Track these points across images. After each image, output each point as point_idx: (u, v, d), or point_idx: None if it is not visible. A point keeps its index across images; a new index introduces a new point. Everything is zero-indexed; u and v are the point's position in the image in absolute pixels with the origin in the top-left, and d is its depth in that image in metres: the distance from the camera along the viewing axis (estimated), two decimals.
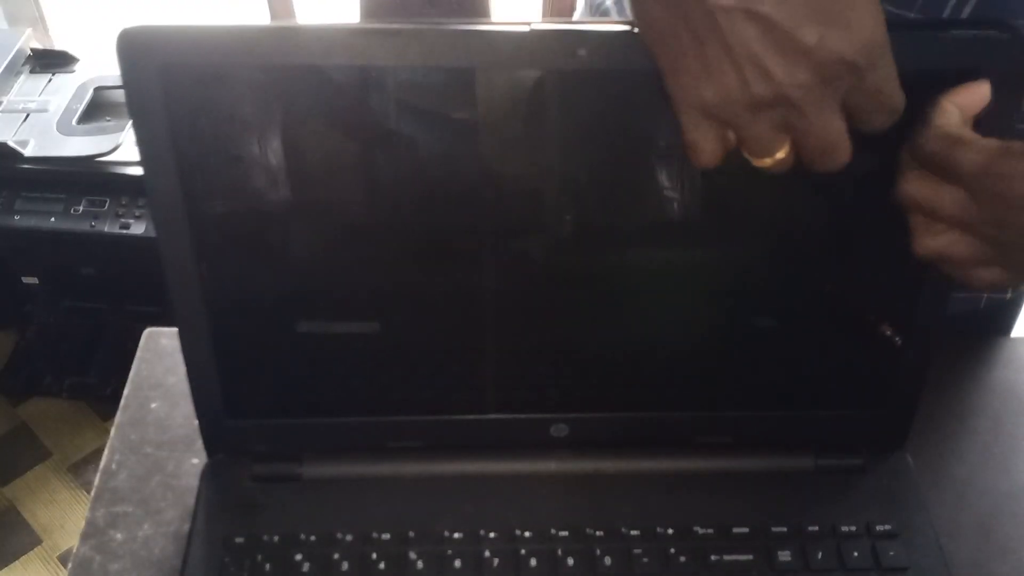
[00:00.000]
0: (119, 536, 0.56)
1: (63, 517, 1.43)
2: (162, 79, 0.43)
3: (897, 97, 0.40)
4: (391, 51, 0.42)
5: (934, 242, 0.43)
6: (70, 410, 1.55)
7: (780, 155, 0.40)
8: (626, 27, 0.42)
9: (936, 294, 0.51)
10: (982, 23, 0.43)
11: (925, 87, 0.42)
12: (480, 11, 1.27)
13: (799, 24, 0.36)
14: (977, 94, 0.42)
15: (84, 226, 1.30)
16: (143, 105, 0.44)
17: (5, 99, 1.38)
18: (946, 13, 0.51)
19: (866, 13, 0.37)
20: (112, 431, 0.61)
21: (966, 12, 0.51)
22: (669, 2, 0.37)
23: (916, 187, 0.43)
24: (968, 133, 0.41)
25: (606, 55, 0.43)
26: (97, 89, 1.39)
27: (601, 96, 0.45)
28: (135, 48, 0.42)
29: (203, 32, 0.42)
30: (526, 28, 0.43)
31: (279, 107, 0.46)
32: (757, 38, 0.36)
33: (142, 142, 0.45)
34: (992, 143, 0.40)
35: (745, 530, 0.54)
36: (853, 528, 0.54)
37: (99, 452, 0.63)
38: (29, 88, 1.41)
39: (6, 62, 1.40)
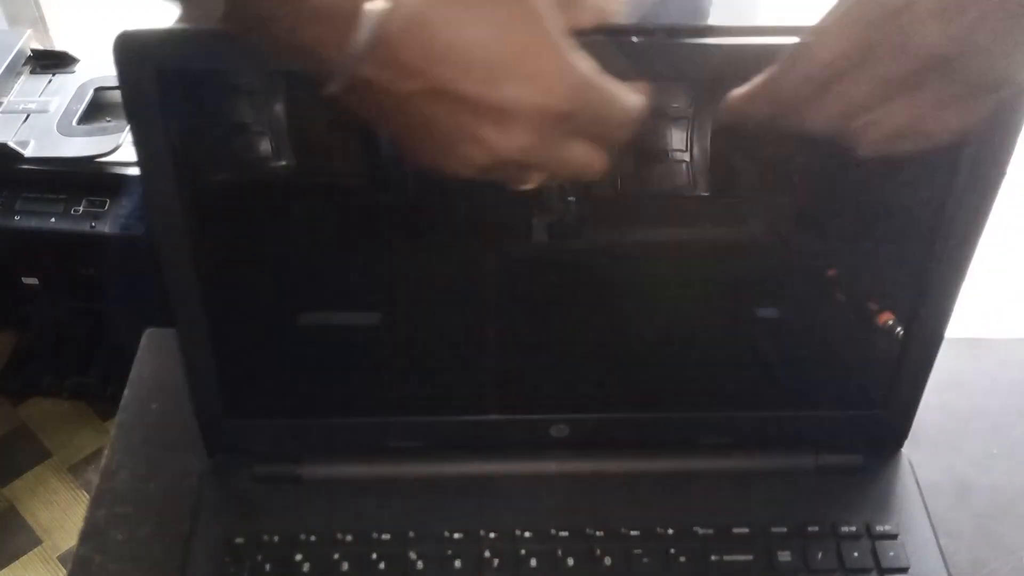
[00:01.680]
0: (119, 536, 0.56)
1: (63, 517, 1.43)
2: (159, 82, 0.43)
3: (625, 110, 0.39)
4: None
5: (880, 128, 0.40)
6: (70, 410, 1.55)
7: (536, 181, 0.40)
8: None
9: (939, 296, 0.51)
10: None
11: None
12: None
13: (490, 91, 0.35)
14: None
15: (84, 227, 1.30)
16: (140, 107, 0.44)
17: (5, 100, 1.38)
18: None
19: (552, 58, 0.36)
20: (112, 431, 0.62)
21: None
22: (382, 95, 0.37)
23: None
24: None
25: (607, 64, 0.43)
26: (97, 90, 1.39)
27: None
28: (132, 51, 0.42)
29: (201, 35, 0.42)
30: None
31: (276, 108, 0.46)
32: (457, 114, 0.36)
33: (139, 144, 0.45)
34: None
35: (745, 530, 0.54)
36: (853, 528, 0.54)
37: (99, 452, 0.63)
38: (29, 89, 1.41)
39: (6, 63, 1.40)
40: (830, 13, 0.38)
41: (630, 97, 0.39)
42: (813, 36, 0.38)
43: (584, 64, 0.37)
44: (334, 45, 0.35)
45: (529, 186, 0.40)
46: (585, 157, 0.39)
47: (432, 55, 0.35)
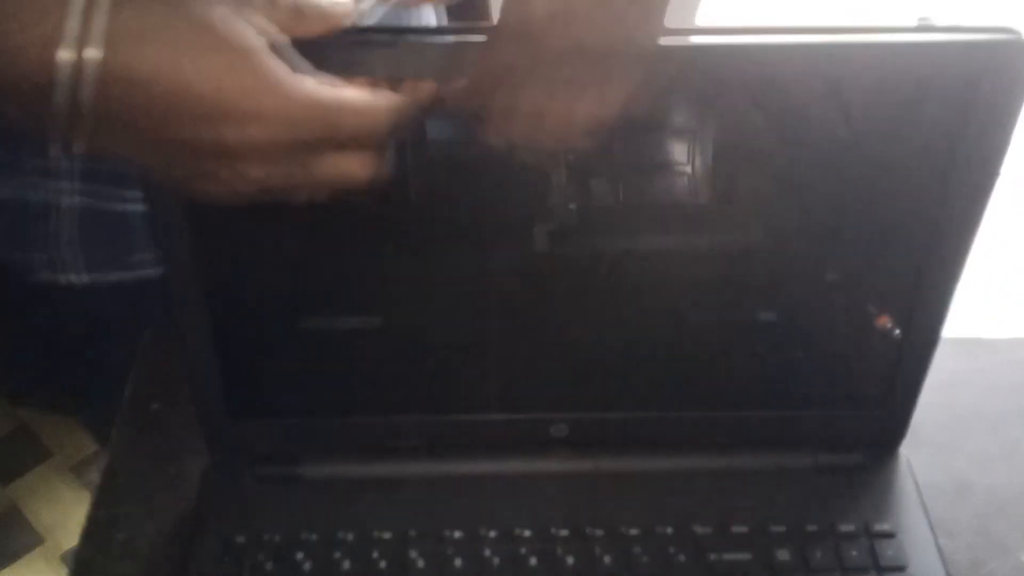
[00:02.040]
0: (121, 536, 0.56)
1: (65, 517, 1.43)
2: None
3: (378, 113, 0.39)
4: (388, 62, 0.42)
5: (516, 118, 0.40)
6: None
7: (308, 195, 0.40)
8: None
9: (936, 295, 0.51)
10: (985, 27, 0.44)
11: (929, 92, 0.42)
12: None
13: (214, 135, 0.35)
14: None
15: None
16: None
17: None
18: None
19: (271, 91, 0.35)
20: (113, 431, 0.62)
21: None
22: (112, 146, 0.37)
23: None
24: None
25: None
26: None
27: None
28: None
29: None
30: None
31: None
32: (190, 159, 0.36)
33: None
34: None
35: (744, 529, 0.54)
36: (851, 527, 0.54)
37: (100, 452, 0.63)
38: None
39: None
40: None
41: (381, 98, 0.39)
42: (482, 42, 0.39)
43: (310, 85, 0.36)
44: (36, 102, 0.34)
45: (303, 198, 0.40)
46: (349, 167, 0.39)
47: (147, 110, 0.35)
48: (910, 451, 0.58)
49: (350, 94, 0.38)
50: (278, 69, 0.36)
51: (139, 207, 0.62)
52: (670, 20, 0.39)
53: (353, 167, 0.39)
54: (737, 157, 0.49)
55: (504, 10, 0.37)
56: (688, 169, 0.49)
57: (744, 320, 0.54)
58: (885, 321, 0.53)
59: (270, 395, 0.56)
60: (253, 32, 0.36)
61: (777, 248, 0.52)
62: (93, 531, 0.56)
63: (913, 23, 0.43)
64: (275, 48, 0.36)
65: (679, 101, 0.47)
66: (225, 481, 0.56)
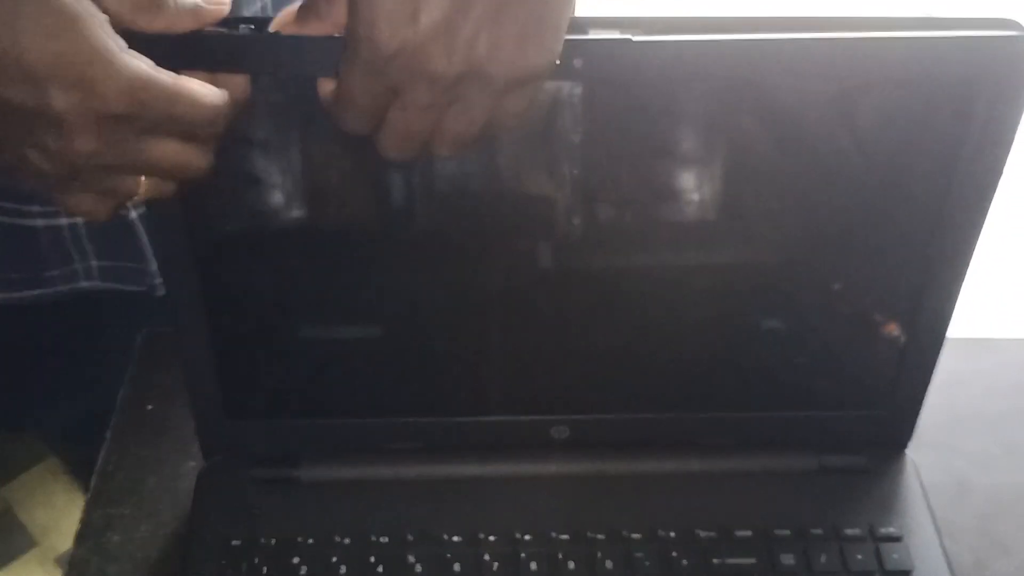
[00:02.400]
0: (116, 538, 0.56)
1: (60, 519, 1.43)
2: None
3: (202, 105, 0.39)
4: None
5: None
6: None
7: (143, 189, 0.40)
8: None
9: (940, 295, 0.51)
10: (988, 22, 0.43)
11: (931, 89, 0.42)
12: None
13: (37, 97, 0.35)
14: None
15: None
16: None
17: None
18: None
19: (98, 62, 0.36)
20: (109, 433, 0.61)
21: None
22: None
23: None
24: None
25: (601, 65, 0.42)
26: None
27: (598, 102, 0.45)
28: None
29: (197, 38, 0.42)
30: None
31: (278, 114, 0.46)
32: (13, 123, 0.36)
33: None
34: None
35: (748, 533, 0.54)
36: (856, 531, 0.54)
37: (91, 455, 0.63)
38: None
39: None
40: None
41: (207, 91, 0.39)
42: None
43: (138, 64, 0.37)
44: None
45: (138, 195, 0.40)
46: (175, 156, 0.39)
47: None
48: (913, 452, 0.58)
49: (184, 80, 0.38)
50: (112, 42, 0.36)
51: (50, 222, 0.61)
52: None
53: (186, 155, 0.40)
54: (738, 161, 0.48)
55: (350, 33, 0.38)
56: (690, 172, 0.48)
57: (749, 324, 0.54)
58: (889, 323, 0.53)
59: (267, 396, 0.56)
60: (92, 6, 0.36)
61: (780, 248, 0.52)
62: (88, 533, 0.56)
63: (916, 17, 0.43)
64: (115, 28, 0.37)
65: (679, 99, 0.46)
66: (221, 483, 0.56)
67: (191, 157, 0.40)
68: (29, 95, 0.35)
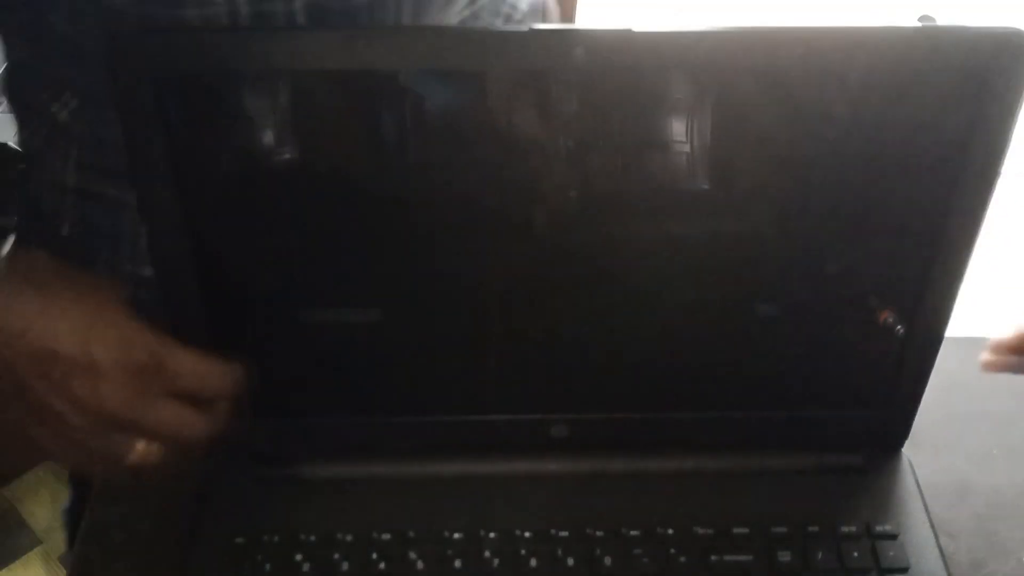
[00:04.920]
0: (119, 537, 0.56)
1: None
2: (154, 85, 0.43)
3: (211, 373, 0.47)
4: (391, 53, 0.42)
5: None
6: None
7: (138, 453, 0.46)
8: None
9: (939, 294, 0.51)
10: (988, 27, 0.43)
11: (932, 85, 0.42)
12: None
13: (80, 349, 0.43)
14: None
15: None
16: (135, 111, 0.44)
17: (5, 100, 1.38)
18: None
19: (127, 325, 0.44)
20: None
21: None
22: None
23: None
24: None
25: (602, 54, 0.43)
26: None
27: (598, 93, 0.45)
28: (128, 55, 0.42)
29: (197, 38, 0.42)
30: (526, 29, 0.43)
31: (275, 111, 0.46)
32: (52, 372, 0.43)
33: (132, 148, 0.45)
34: None
35: (745, 530, 0.54)
36: (853, 528, 0.54)
37: None
38: None
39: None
40: None
41: (218, 363, 0.46)
42: None
43: (160, 335, 0.45)
44: None
45: (136, 457, 0.46)
46: (180, 417, 0.46)
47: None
48: (910, 451, 0.58)
49: (198, 353, 0.46)
50: (126, 313, 0.44)
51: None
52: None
53: (189, 418, 0.46)
54: (739, 153, 0.49)
55: None
56: (692, 166, 0.48)
57: (747, 322, 0.54)
58: (888, 321, 0.53)
59: (269, 395, 0.56)
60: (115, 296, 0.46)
61: (781, 249, 0.52)
62: (91, 532, 0.56)
63: (914, 22, 0.43)
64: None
65: (683, 90, 0.47)
66: (224, 482, 0.56)
67: (194, 421, 0.46)
68: (73, 348, 0.43)
